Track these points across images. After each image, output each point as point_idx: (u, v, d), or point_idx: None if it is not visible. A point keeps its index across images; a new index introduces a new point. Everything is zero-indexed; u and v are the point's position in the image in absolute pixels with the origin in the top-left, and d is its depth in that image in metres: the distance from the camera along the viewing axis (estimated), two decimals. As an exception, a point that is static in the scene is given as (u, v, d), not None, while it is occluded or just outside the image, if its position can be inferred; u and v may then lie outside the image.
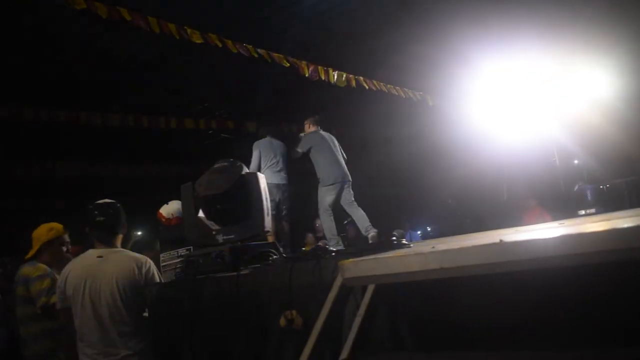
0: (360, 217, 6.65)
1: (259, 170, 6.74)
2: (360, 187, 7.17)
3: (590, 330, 1.95)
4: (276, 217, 6.68)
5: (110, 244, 3.38)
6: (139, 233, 8.92)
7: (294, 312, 2.63)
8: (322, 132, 7.04)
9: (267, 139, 7.12)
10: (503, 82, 9.44)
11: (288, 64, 8.20)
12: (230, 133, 12.05)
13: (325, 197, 6.58)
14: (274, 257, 3.42)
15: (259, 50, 7.72)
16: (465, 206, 12.34)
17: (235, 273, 3.10)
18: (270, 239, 5.35)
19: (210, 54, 7.74)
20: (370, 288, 2.44)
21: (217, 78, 9.88)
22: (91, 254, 3.36)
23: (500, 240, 1.59)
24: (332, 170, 6.63)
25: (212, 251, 3.37)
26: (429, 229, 14.91)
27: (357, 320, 2.39)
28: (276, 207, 6.77)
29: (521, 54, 8.79)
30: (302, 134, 7.18)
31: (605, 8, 7.87)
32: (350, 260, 1.95)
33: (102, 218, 3.39)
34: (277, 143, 7.15)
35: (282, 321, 2.64)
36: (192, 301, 3.32)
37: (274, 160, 6.85)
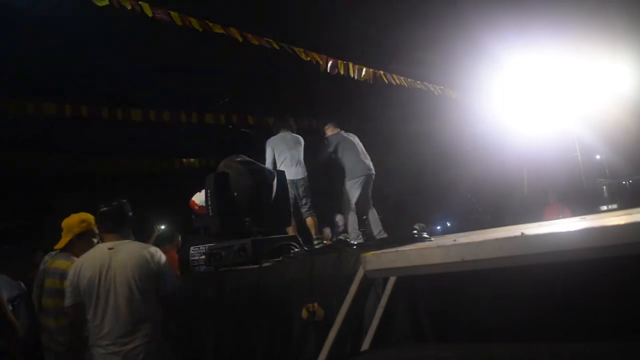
0: (374, 220, 6.83)
1: (274, 168, 6.74)
2: (381, 182, 7.26)
3: (610, 323, 1.95)
4: (294, 212, 6.72)
5: (117, 233, 3.42)
6: (162, 227, 9.00)
7: (315, 304, 2.65)
8: (344, 133, 7.14)
9: (280, 134, 6.95)
10: (524, 77, 9.34)
11: (308, 58, 8.18)
12: (250, 128, 12.04)
13: (351, 190, 6.77)
14: (296, 250, 3.46)
15: (281, 43, 7.73)
16: (485, 201, 12.24)
17: (257, 266, 3.14)
18: (292, 232, 5.39)
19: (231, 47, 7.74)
20: (392, 280, 2.46)
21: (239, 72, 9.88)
22: (101, 247, 3.42)
23: (522, 233, 1.60)
24: (357, 164, 6.88)
25: (234, 244, 3.42)
26: (448, 224, 14.87)
27: (379, 312, 2.41)
28: (293, 202, 6.81)
29: (543, 48, 8.68)
30: (327, 137, 7.22)
31: (628, 2, 7.76)
32: (372, 252, 1.96)
33: (105, 209, 3.48)
34: (290, 136, 6.92)
35: (304, 313, 2.67)
36: (215, 293, 3.37)
37: (286, 155, 6.76)
